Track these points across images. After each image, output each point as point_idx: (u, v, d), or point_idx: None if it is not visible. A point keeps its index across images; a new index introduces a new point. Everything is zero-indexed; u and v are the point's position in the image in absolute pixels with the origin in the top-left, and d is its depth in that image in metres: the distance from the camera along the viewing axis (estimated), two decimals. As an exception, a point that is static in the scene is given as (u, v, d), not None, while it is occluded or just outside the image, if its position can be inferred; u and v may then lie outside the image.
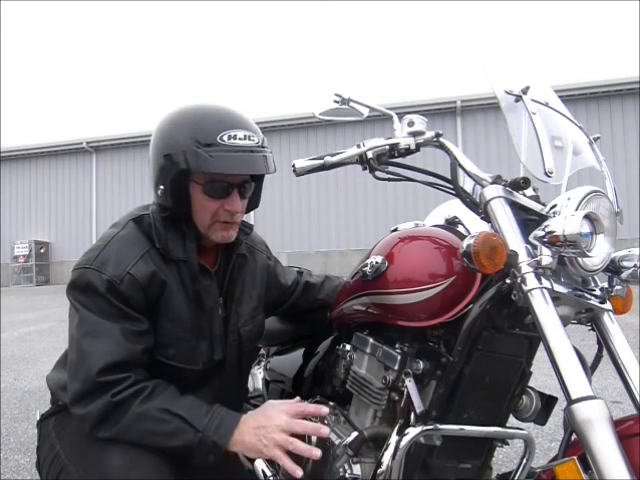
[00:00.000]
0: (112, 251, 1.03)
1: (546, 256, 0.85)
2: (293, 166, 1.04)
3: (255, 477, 1.29)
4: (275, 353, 1.58)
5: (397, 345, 1.02)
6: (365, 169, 1.07)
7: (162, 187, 1.05)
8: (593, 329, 0.98)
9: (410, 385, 0.96)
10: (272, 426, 0.95)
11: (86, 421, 0.96)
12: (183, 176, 1.02)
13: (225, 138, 1.00)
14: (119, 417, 0.94)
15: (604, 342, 0.95)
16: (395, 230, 1.16)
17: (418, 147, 1.06)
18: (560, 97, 1.17)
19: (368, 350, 1.09)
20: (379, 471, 0.96)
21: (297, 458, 1.01)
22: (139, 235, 1.07)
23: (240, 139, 1.01)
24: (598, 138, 1.14)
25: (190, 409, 0.96)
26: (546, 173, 0.94)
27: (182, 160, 1.00)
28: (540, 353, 0.95)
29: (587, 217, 0.85)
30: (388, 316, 1.04)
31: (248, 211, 1.17)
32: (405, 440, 0.92)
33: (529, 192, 0.97)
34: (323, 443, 1.09)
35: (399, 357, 0.99)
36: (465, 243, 0.86)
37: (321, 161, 1.04)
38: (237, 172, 1.02)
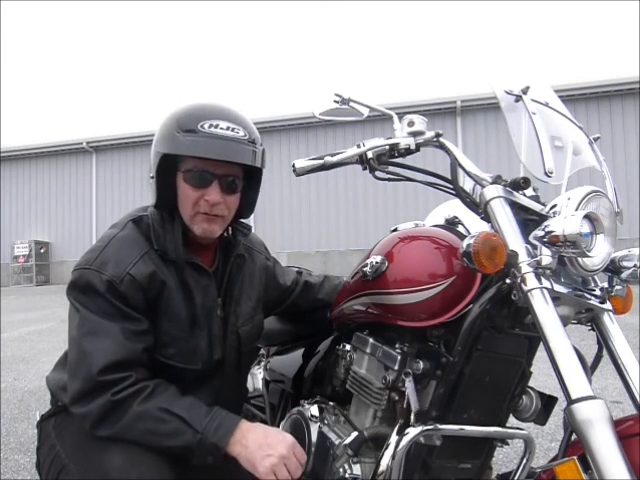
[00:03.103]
0: (112, 252, 1.03)
1: (546, 256, 0.85)
2: (293, 166, 1.04)
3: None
4: (275, 353, 1.58)
5: (397, 345, 1.02)
6: (365, 169, 1.07)
7: (151, 175, 1.08)
8: (593, 329, 0.98)
9: (409, 385, 0.96)
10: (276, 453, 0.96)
11: (86, 420, 0.96)
12: (167, 163, 1.04)
13: (205, 126, 1.01)
14: (119, 416, 0.94)
15: (604, 342, 0.95)
16: (395, 230, 1.16)
17: (418, 147, 1.06)
18: (560, 97, 1.17)
19: (368, 350, 1.09)
20: (379, 471, 0.96)
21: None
22: (138, 236, 1.07)
23: (222, 129, 1.01)
24: (598, 138, 1.14)
25: (190, 410, 0.96)
26: (546, 173, 0.94)
27: (164, 145, 1.03)
28: (540, 353, 0.95)
29: (587, 217, 0.85)
30: (388, 316, 1.04)
31: (242, 215, 1.17)
32: (405, 440, 0.92)
33: (529, 192, 0.97)
34: (323, 443, 1.10)
35: (399, 357, 0.99)
36: (465, 243, 0.86)
37: (321, 161, 1.04)
38: (208, 156, 1.00)
